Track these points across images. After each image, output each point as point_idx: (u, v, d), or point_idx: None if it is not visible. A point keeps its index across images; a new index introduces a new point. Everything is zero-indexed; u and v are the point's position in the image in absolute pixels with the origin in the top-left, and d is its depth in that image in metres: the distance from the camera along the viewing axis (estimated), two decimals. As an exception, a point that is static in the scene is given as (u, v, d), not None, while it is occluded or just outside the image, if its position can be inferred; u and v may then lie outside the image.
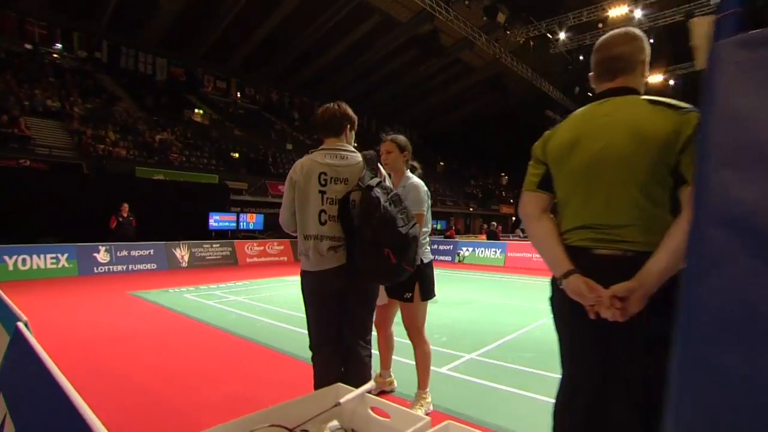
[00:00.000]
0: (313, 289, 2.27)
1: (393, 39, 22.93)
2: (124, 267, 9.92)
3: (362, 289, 2.30)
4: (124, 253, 9.97)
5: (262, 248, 12.27)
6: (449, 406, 2.92)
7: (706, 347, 0.73)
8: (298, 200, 2.25)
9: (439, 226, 23.90)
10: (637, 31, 1.51)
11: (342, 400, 1.33)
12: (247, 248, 12.03)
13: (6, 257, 8.43)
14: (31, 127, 13.66)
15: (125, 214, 10.26)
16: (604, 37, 1.57)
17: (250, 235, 13.64)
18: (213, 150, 18.15)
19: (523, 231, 15.68)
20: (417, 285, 2.69)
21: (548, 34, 19.72)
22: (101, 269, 9.60)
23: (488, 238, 14.44)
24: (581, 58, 20.56)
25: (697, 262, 0.76)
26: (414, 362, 2.85)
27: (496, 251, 12.64)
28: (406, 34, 22.32)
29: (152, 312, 5.94)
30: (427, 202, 2.78)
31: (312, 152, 2.36)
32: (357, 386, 1.42)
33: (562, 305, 1.49)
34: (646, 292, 1.24)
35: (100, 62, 20.37)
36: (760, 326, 0.67)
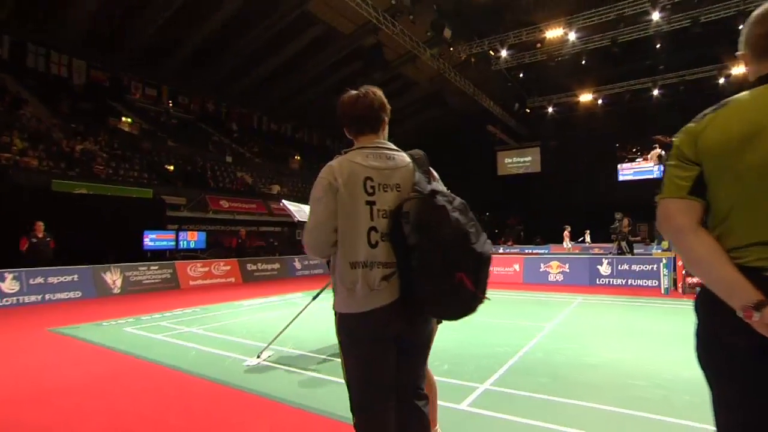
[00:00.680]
0: (360, 337, 1.72)
1: (336, 51, 22.58)
2: (39, 297, 8.46)
3: (422, 329, 1.80)
4: (39, 280, 8.50)
5: (206, 269, 11.15)
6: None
7: None
8: (343, 215, 1.69)
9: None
10: None
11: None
12: (190, 269, 10.86)
13: None
14: None
15: (40, 234, 8.79)
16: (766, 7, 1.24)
17: (191, 254, 12.40)
18: (145, 162, 16.52)
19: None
20: None
21: (490, 52, 20.35)
22: (8, 301, 8.08)
23: None
24: (521, 75, 21.44)
25: None
26: None
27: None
28: (350, 46, 22.09)
29: (85, 353, 4.89)
30: None
31: (346, 152, 1.82)
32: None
33: (729, 345, 1.12)
34: None
35: (1, 59, 17.89)
36: None
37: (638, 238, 13.60)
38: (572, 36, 18.11)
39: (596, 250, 16.34)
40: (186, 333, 5.86)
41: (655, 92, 21.91)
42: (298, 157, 24.49)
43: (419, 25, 19.29)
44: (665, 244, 10.54)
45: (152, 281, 10.13)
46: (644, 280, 9.82)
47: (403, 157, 1.85)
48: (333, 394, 3.48)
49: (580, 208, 25.11)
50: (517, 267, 11.42)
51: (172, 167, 16.84)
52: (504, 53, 19.65)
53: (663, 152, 24.87)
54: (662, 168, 1.31)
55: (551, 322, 6.41)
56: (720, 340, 1.16)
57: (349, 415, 1.78)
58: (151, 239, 11.56)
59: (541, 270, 11.07)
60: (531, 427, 2.86)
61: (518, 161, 29.20)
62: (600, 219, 19.24)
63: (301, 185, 21.77)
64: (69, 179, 12.73)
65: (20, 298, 8.24)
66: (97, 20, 18.30)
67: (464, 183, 32.79)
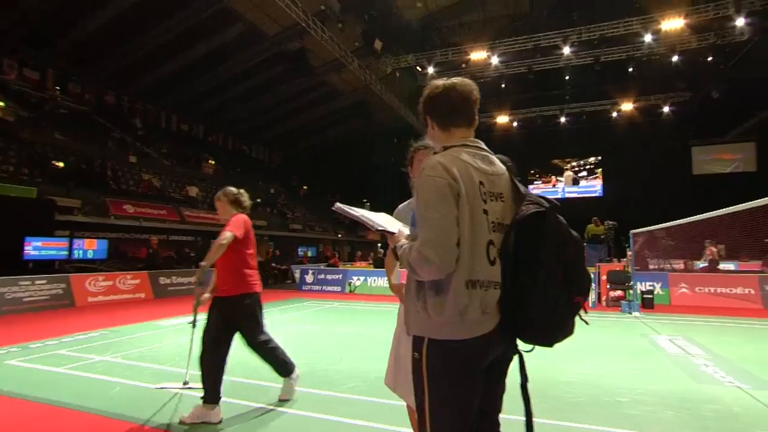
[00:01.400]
0: (460, 367, 1.46)
1: (258, 52, 21.54)
2: None
3: (512, 354, 1.60)
4: None
5: (110, 283, 9.58)
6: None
7: None
8: (463, 224, 1.42)
9: (310, 254, 22.78)
10: None
11: None
12: (89, 284, 9.25)
13: None
14: None
15: None
16: None
17: (88, 266, 10.62)
18: (24, 155, 14.04)
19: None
20: None
21: (418, 67, 20.84)
22: None
23: (377, 266, 14.01)
24: (445, 94, 22.27)
25: None
26: None
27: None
28: (273, 48, 21.21)
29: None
30: None
31: (449, 148, 1.55)
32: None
33: None
34: None
35: None
36: None
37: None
38: (495, 60, 19.22)
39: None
40: (99, 363, 4.82)
41: (562, 119, 24.12)
42: (213, 162, 22.76)
43: (347, 33, 19.17)
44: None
45: (37, 298, 8.42)
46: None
47: (500, 163, 1.62)
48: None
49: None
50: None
51: (61, 164, 14.52)
52: (431, 70, 20.21)
53: (576, 175, 27.45)
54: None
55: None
56: None
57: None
58: (35, 247, 9.72)
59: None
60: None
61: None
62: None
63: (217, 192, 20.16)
64: None
65: None
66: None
67: (384, 195, 32.75)
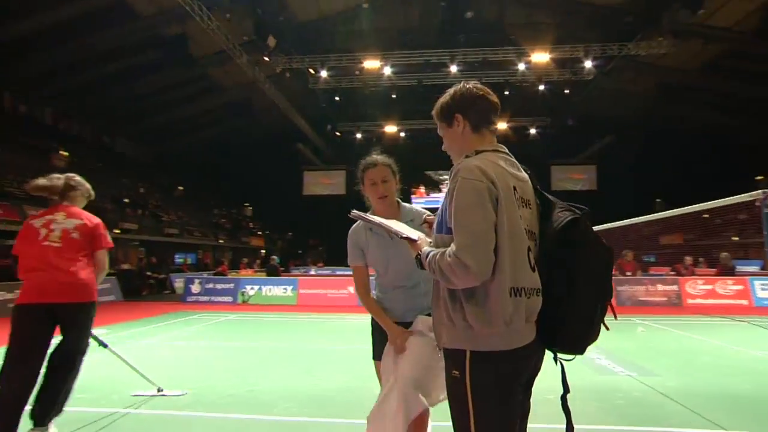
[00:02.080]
0: (505, 383, 1.43)
1: (127, 33, 19.07)
2: None
3: (540, 367, 1.59)
4: None
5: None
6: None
7: None
8: (502, 230, 1.39)
9: (188, 260, 20.70)
10: None
11: None
12: None
13: None
14: None
15: None
16: None
17: None
18: None
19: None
20: None
21: (310, 70, 20.54)
22: None
23: (269, 274, 13.25)
24: (337, 98, 22.29)
25: None
26: None
27: (286, 288, 11.72)
28: (148, 30, 19.03)
29: None
30: None
31: (482, 152, 1.52)
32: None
33: None
34: None
35: None
36: None
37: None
38: (387, 70, 19.87)
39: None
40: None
41: (446, 133, 25.94)
42: (65, 153, 19.44)
43: (236, 25, 18.10)
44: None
45: None
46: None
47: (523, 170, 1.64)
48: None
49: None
50: (351, 289, 11.52)
51: None
52: (324, 74, 20.10)
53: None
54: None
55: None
56: None
57: None
58: None
59: (373, 292, 11.37)
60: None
61: (325, 183, 30.03)
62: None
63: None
64: None
65: None
66: None
67: (268, 199, 31.68)
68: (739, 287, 10.57)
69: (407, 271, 2.11)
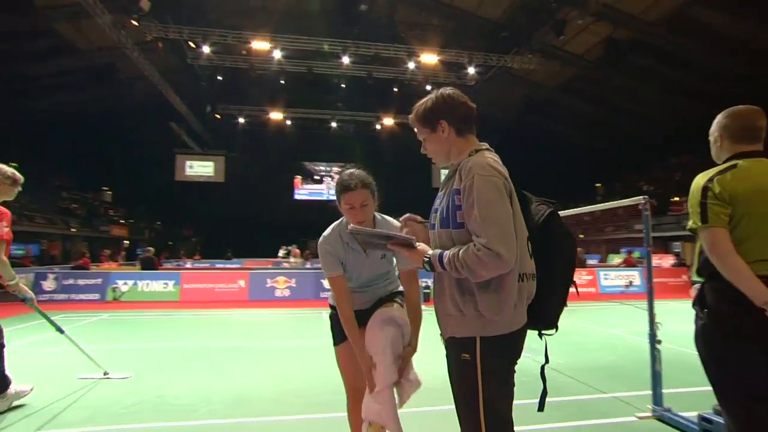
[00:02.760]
0: (509, 362, 1.64)
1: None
2: None
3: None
4: None
5: None
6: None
7: None
8: (517, 220, 1.60)
9: (25, 252, 17.46)
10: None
11: None
12: None
13: None
14: None
15: None
16: (741, 108, 1.99)
17: None
18: None
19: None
20: None
21: (190, 43, 18.86)
22: None
23: (144, 268, 11.87)
24: (219, 78, 20.82)
25: None
26: None
27: (167, 283, 10.68)
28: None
29: None
30: None
31: (480, 150, 1.68)
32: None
33: (747, 331, 1.71)
34: None
35: None
36: None
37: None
38: (277, 53, 19.15)
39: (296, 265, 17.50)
40: None
41: (333, 124, 25.95)
42: None
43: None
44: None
45: None
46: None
47: None
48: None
49: (264, 223, 26.39)
50: (242, 283, 10.98)
51: None
52: (206, 49, 18.62)
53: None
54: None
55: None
56: (743, 333, 1.71)
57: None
58: None
59: (267, 285, 11.06)
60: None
61: (201, 168, 27.94)
62: (286, 235, 20.96)
63: None
64: None
65: None
66: None
67: (133, 183, 28.25)
68: (590, 277, 12.61)
69: (369, 278, 2.24)
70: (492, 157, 1.65)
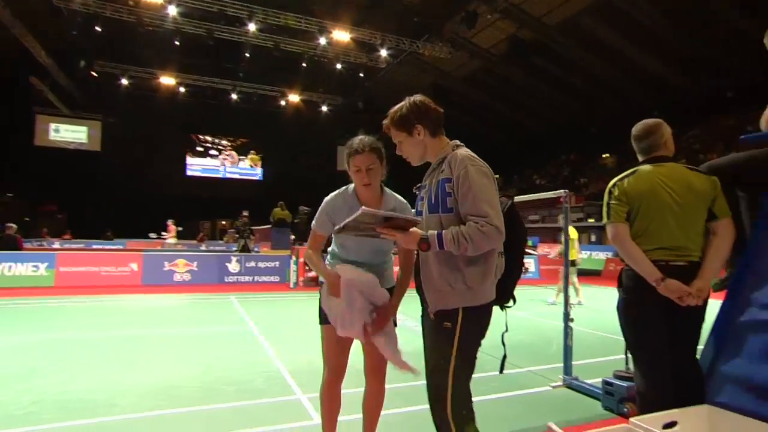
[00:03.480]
0: (483, 327, 1.89)
1: None
2: None
3: None
4: None
5: None
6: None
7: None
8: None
9: None
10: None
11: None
12: None
13: None
14: None
15: None
16: (648, 124, 2.41)
17: None
18: None
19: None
20: None
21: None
22: None
23: (5, 248, 10.06)
24: (98, 29, 18.37)
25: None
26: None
27: (38, 266, 9.32)
28: None
29: None
30: None
31: (462, 145, 2.00)
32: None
33: (646, 301, 2.21)
34: (709, 286, 2.23)
35: None
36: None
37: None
38: (172, 10, 17.49)
39: (180, 246, 16.41)
40: None
41: (233, 96, 24.51)
42: None
43: None
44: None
45: None
46: (270, 276, 11.13)
47: None
48: None
49: (151, 200, 24.12)
50: (134, 266, 10.02)
51: None
52: (81, -6, 16.34)
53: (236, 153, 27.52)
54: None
55: (251, 324, 6.51)
56: (643, 303, 2.23)
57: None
58: None
59: (165, 269, 10.24)
60: None
61: (69, 133, 24.62)
62: (175, 212, 19.44)
63: None
64: None
65: None
66: None
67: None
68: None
69: (371, 251, 2.25)
70: (468, 151, 1.90)
